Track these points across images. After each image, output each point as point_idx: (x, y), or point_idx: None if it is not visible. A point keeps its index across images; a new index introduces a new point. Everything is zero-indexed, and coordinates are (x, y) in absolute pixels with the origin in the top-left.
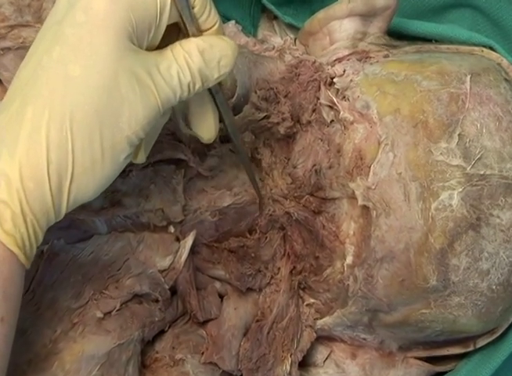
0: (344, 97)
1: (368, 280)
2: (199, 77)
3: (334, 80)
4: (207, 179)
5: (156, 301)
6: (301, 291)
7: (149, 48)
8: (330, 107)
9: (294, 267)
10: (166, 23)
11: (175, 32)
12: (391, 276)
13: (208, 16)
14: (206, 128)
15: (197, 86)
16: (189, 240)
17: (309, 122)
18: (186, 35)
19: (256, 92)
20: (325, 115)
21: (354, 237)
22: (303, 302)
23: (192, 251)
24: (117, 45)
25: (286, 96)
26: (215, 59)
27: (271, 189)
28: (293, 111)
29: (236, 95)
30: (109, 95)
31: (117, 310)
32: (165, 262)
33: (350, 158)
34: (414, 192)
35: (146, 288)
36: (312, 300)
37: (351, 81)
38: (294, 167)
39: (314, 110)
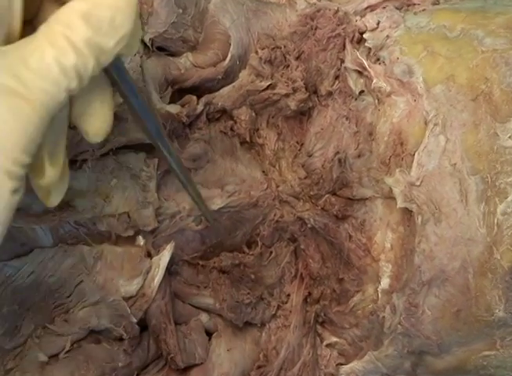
0: (379, 59)
1: (411, 310)
2: (88, 51)
3: (365, 36)
4: (190, 173)
5: (120, 339)
6: (318, 327)
7: (12, 39)
8: (359, 73)
9: (310, 293)
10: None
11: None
12: (442, 306)
13: None
14: (93, 119)
15: (90, 66)
16: (164, 256)
17: (330, 93)
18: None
19: (257, 53)
20: (352, 84)
21: (391, 252)
22: (321, 342)
23: (170, 271)
24: None
25: (298, 58)
26: (105, 19)
27: (277, 186)
28: (307, 78)
29: (229, 56)
30: None
31: (67, 352)
32: (132, 287)
33: (386, 143)
34: (474, 190)
35: (106, 322)
36: (334, 339)
37: (387, 37)
38: (310, 155)
39: (337, 77)
